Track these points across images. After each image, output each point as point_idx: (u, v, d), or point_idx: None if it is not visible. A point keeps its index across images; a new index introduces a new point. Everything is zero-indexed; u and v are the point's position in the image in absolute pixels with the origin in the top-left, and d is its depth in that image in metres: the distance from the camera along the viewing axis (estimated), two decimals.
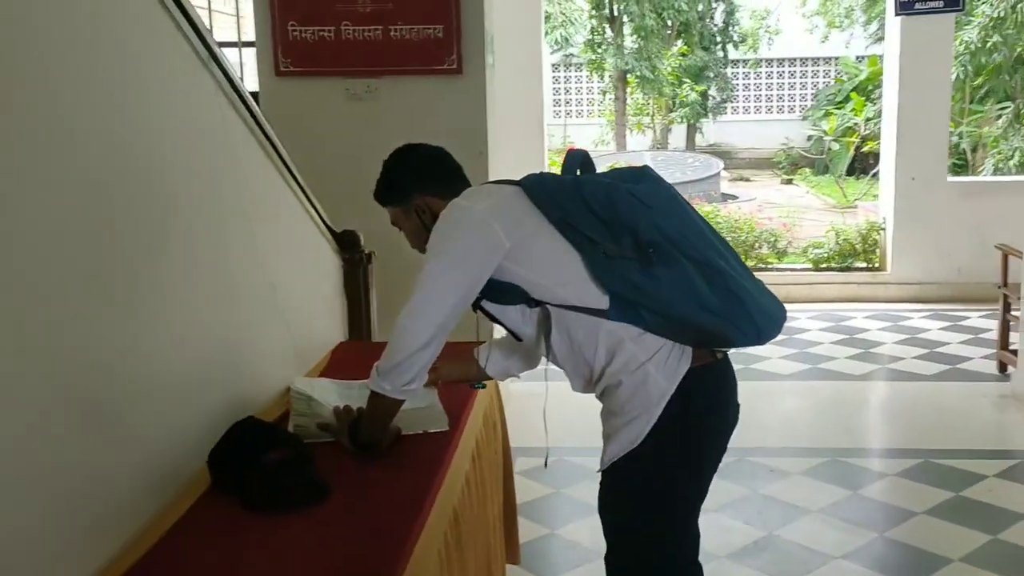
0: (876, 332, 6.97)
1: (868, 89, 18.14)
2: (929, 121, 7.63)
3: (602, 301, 2.22)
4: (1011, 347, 5.80)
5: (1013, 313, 5.77)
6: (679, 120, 19.64)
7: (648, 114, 19.23)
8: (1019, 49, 10.40)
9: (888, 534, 3.84)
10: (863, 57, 19.43)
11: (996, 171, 10.76)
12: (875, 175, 16.48)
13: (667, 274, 2.18)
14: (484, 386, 2.84)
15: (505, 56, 5.51)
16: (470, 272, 2.24)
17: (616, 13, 17.66)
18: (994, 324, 7.04)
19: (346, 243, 3.61)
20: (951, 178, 8.13)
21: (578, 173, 2.36)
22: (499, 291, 2.28)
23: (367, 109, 4.73)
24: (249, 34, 5.04)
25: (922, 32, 7.54)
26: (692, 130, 20.31)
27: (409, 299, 2.26)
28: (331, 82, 4.73)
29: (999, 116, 11.30)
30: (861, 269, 8.09)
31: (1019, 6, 9.74)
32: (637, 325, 2.21)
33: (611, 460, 2.28)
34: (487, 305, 2.35)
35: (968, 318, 7.35)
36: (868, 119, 16.90)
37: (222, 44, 5.45)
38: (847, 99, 18.58)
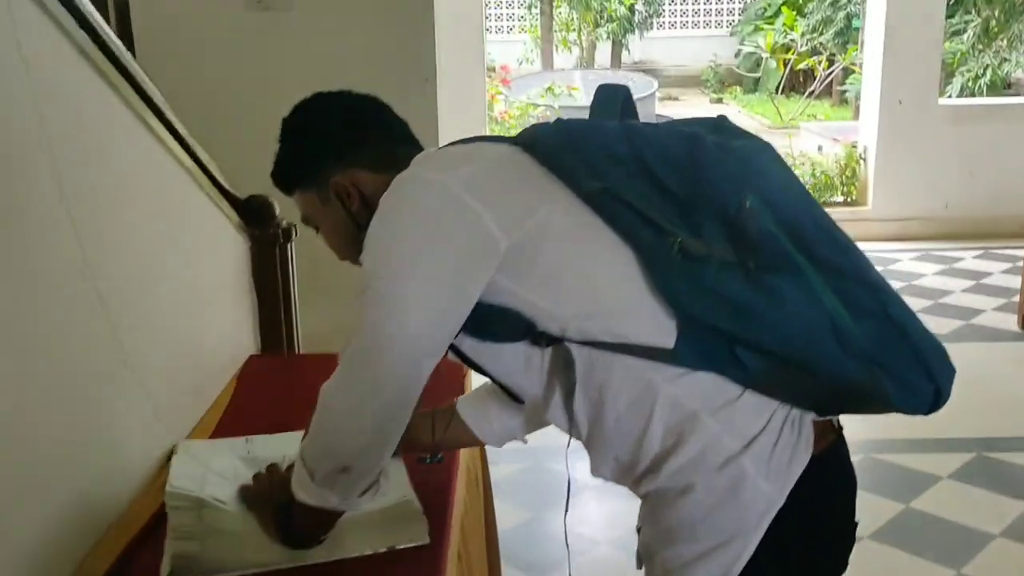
0: None
1: (799, 3, 17.43)
2: (921, 34, 6.69)
3: (666, 332, 1.28)
4: None
5: None
6: (605, 36, 18.60)
7: (574, 30, 18.09)
8: None
9: None
10: None
11: (963, 91, 9.98)
12: (811, 94, 16.05)
13: (786, 287, 1.26)
14: (441, 459, 1.86)
15: None
16: (444, 290, 1.29)
17: None
18: (993, 266, 6.39)
19: (254, 215, 2.55)
20: (942, 101, 7.27)
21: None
22: (484, 320, 1.34)
23: (276, 24, 3.60)
24: None
25: None
26: (618, 47, 19.30)
27: (346, 348, 1.32)
28: None
29: (963, 31, 10.49)
30: (838, 204, 7.24)
31: None
32: (727, 376, 1.29)
33: None
34: (466, 344, 1.39)
35: (962, 259, 6.57)
36: (802, 35, 16.21)
37: None
38: (777, 13, 17.83)
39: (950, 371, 1.32)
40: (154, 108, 1.95)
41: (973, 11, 10.84)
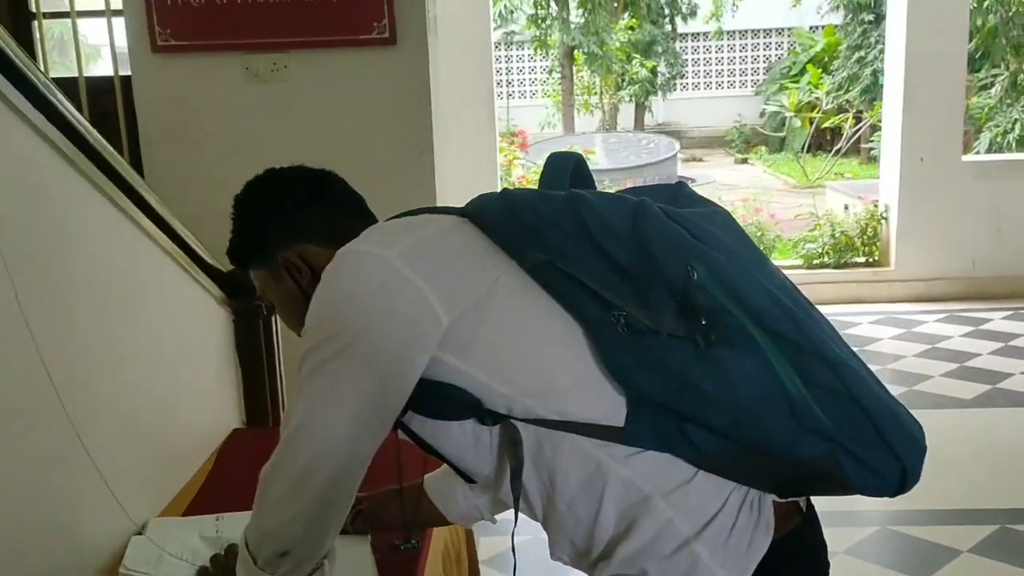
0: (889, 342, 5.92)
1: (824, 61, 17.43)
2: (942, 89, 6.57)
3: (615, 410, 1.23)
4: None
5: None
6: (628, 99, 18.71)
7: (596, 93, 18.21)
8: (1016, 8, 9.40)
9: None
10: (817, 27, 18.68)
11: (992, 146, 9.85)
12: (837, 152, 15.96)
13: (739, 362, 1.18)
14: (415, 546, 1.80)
15: (446, 29, 4.38)
16: (382, 373, 1.24)
17: None
18: (1022, 327, 6.20)
19: (237, 287, 2.50)
20: (966, 157, 7.15)
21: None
22: (430, 397, 1.28)
23: (273, 93, 3.57)
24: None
25: None
26: (641, 109, 19.41)
27: (284, 429, 1.30)
28: (225, 59, 3.56)
29: (990, 85, 10.38)
30: (860, 265, 7.13)
31: None
32: (679, 456, 1.23)
33: None
34: (415, 422, 1.33)
35: (990, 320, 6.41)
36: (828, 92, 16.17)
37: (84, 14, 4.29)
38: (802, 72, 17.86)
39: (919, 449, 1.24)
40: (125, 188, 1.92)
41: (1001, 65, 10.75)
